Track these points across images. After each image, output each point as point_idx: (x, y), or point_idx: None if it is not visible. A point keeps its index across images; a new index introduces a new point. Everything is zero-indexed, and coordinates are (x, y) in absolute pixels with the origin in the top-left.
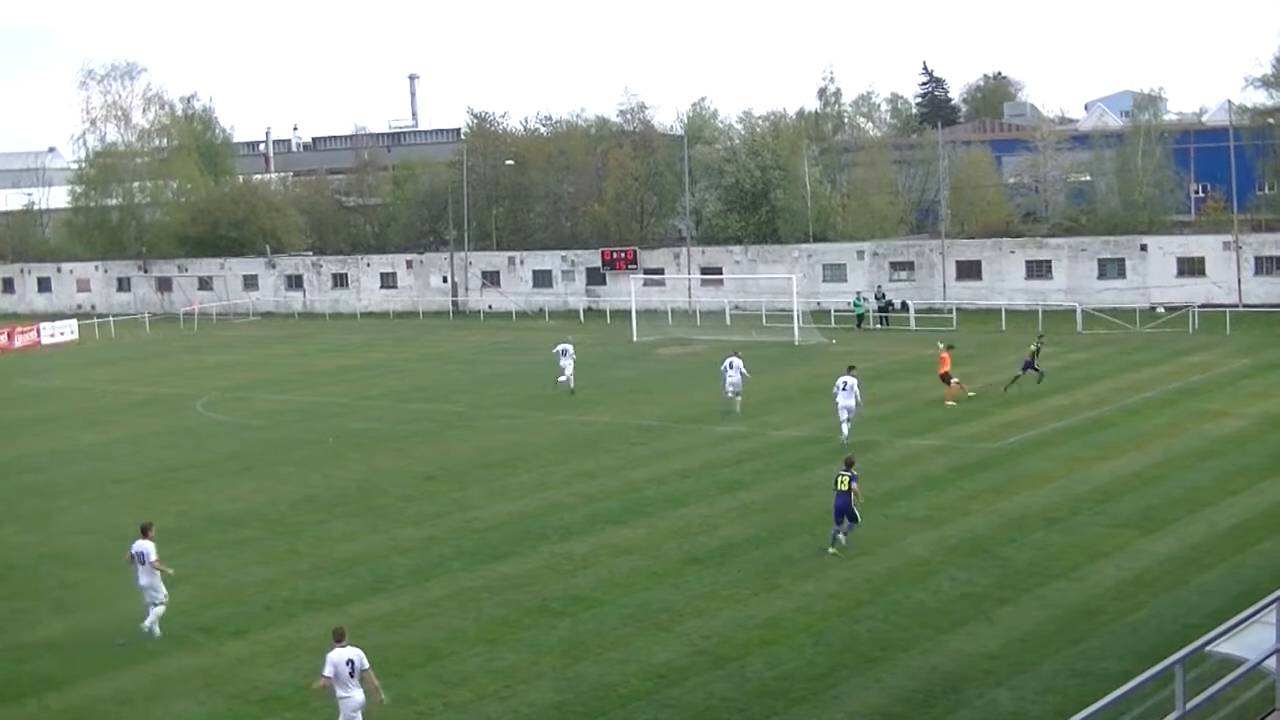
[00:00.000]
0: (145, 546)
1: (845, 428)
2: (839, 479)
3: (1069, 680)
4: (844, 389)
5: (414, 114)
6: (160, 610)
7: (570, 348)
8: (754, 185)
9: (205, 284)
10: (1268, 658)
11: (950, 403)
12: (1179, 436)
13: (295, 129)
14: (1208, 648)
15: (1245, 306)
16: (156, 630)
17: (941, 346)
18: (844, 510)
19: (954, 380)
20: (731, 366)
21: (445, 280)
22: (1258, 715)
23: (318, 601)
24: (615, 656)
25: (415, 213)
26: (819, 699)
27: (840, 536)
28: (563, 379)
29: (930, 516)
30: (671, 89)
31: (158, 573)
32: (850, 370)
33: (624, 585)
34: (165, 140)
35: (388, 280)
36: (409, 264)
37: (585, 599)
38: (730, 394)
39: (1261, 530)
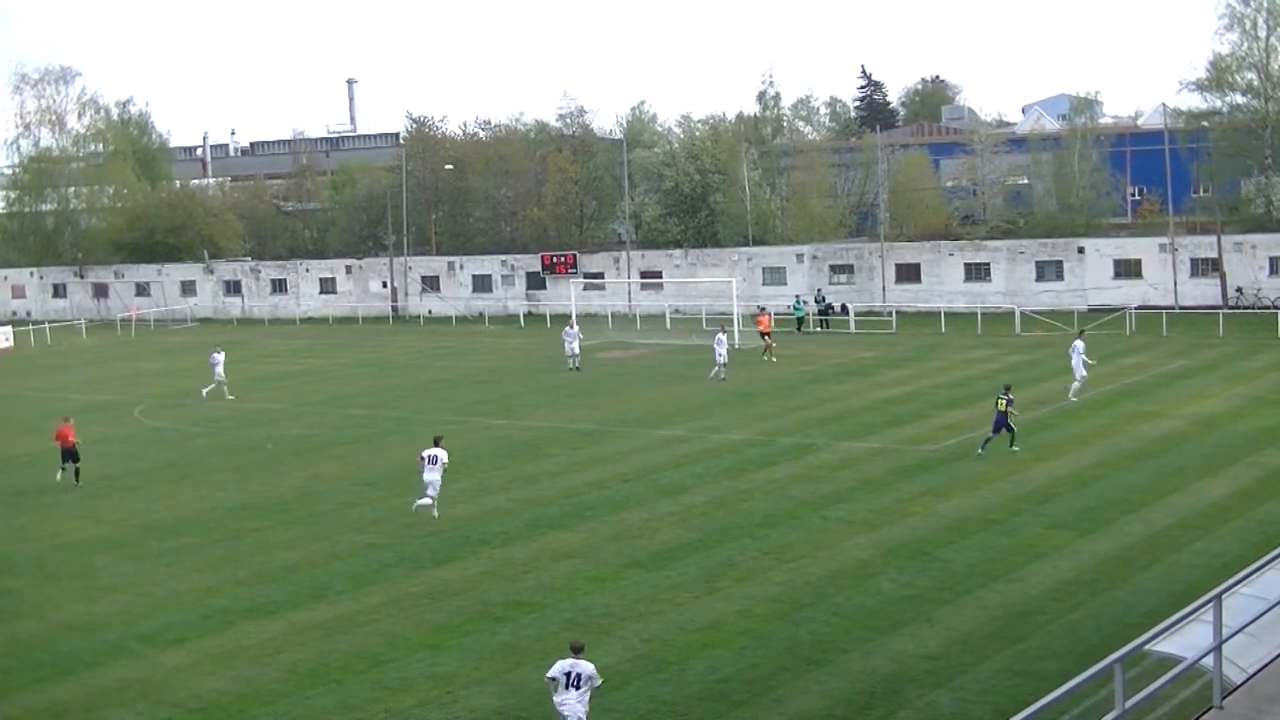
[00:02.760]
0: (439, 452)
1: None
2: (998, 400)
3: (1008, 681)
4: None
5: (352, 118)
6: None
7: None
8: (693, 189)
9: (142, 290)
10: (1205, 655)
11: (771, 359)
12: (1116, 438)
13: (233, 134)
14: (1146, 647)
15: (1181, 308)
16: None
17: (757, 308)
18: (1001, 424)
19: (770, 340)
20: (720, 343)
21: (385, 285)
22: (1195, 712)
23: (257, 609)
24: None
25: (354, 218)
26: (760, 702)
27: (981, 450)
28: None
29: (870, 519)
30: (611, 93)
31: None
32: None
33: (565, 590)
34: (101, 145)
35: (327, 285)
36: (348, 269)
37: (526, 604)
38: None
39: (1197, 530)
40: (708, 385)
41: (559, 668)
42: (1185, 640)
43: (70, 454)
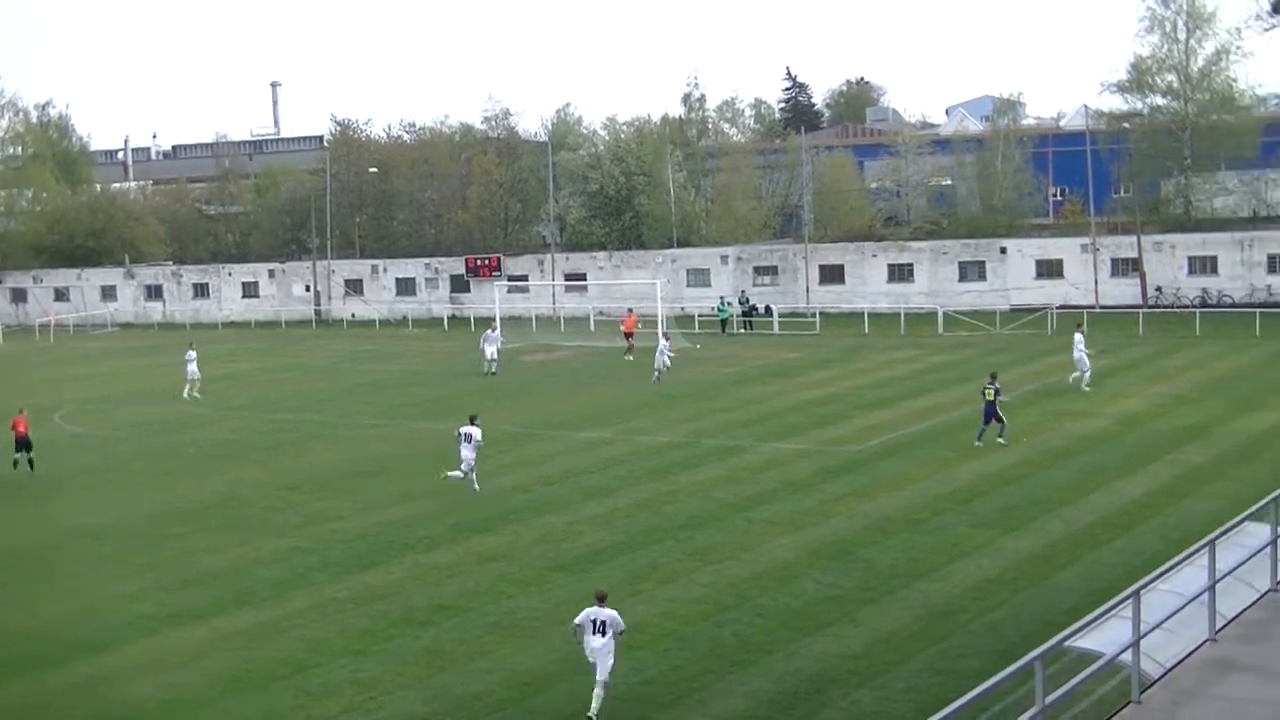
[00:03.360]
0: (473, 430)
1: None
2: (985, 390)
3: (931, 679)
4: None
5: (276, 121)
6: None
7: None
8: (618, 191)
9: (62, 295)
10: (1124, 651)
11: (630, 358)
12: (1039, 436)
13: (155, 137)
14: (1066, 643)
15: (1102, 307)
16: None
17: (627, 310)
18: (991, 414)
19: (632, 342)
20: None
21: (308, 289)
22: (1115, 707)
23: (180, 615)
24: (480, 665)
25: (278, 221)
26: (684, 704)
27: (979, 441)
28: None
29: (794, 520)
30: (536, 95)
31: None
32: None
33: (489, 593)
34: (19, 148)
35: (250, 289)
36: (271, 273)
37: (450, 608)
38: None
39: (1118, 527)
40: (649, 387)
41: (584, 615)
42: (1104, 636)
43: (23, 443)
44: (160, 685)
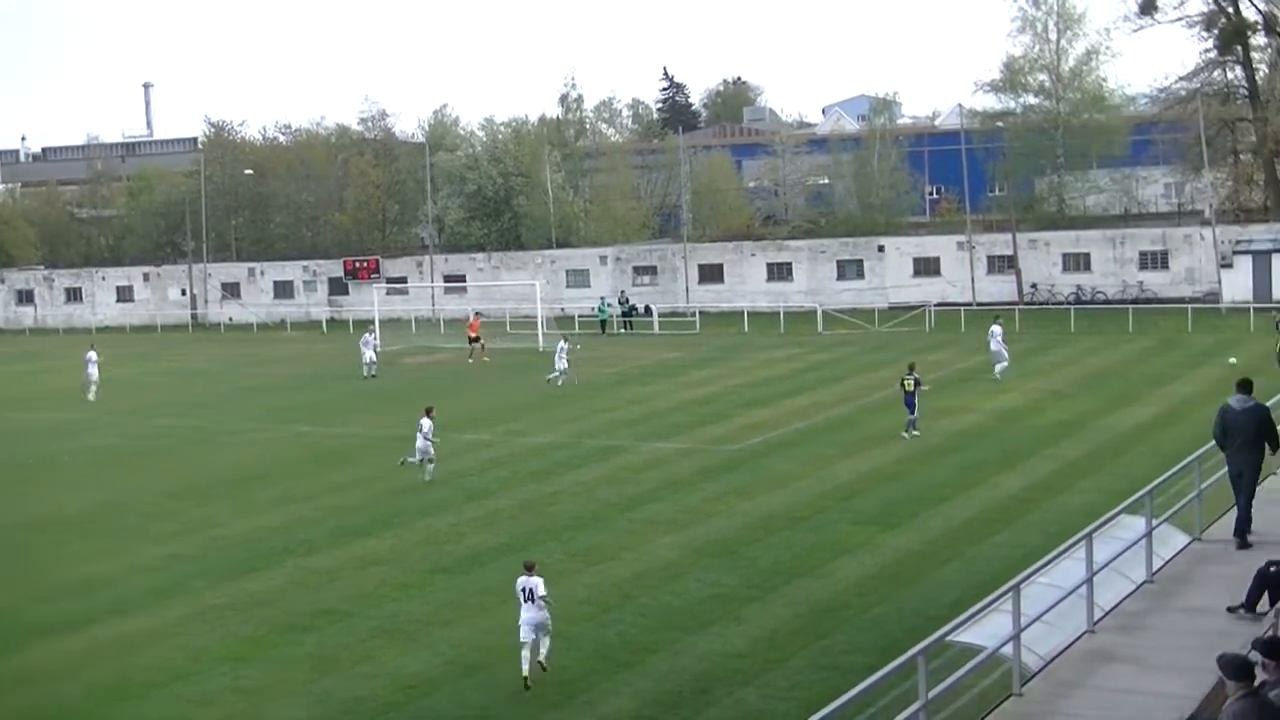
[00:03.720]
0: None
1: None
2: (904, 381)
3: (815, 676)
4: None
5: (149, 123)
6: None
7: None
8: (496, 192)
9: None
10: (1005, 644)
11: (473, 361)
12: (919, 433)
13: (24, 139)
14: (948, 637)
15: (979, 305)
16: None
17: (472, 313)
18: (911, 403)
19: (481, 343)
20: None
21: (184, 293)
22: (996, 699)
23: (54, 626)
24: (365, 670)
25: (152, 224)
26: (570, 705)
27: (914, 432)
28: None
29: (676, 519)
30: (413, 96)
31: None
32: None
33: (372, 597)
34: None
35: (124, 294)
36: (146, 276)
37: (333, 612)
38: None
39: (997, 522)
40: (530, 389)
41: (518, 584)
42: (986, 630)
43: None
44: (33, 697)
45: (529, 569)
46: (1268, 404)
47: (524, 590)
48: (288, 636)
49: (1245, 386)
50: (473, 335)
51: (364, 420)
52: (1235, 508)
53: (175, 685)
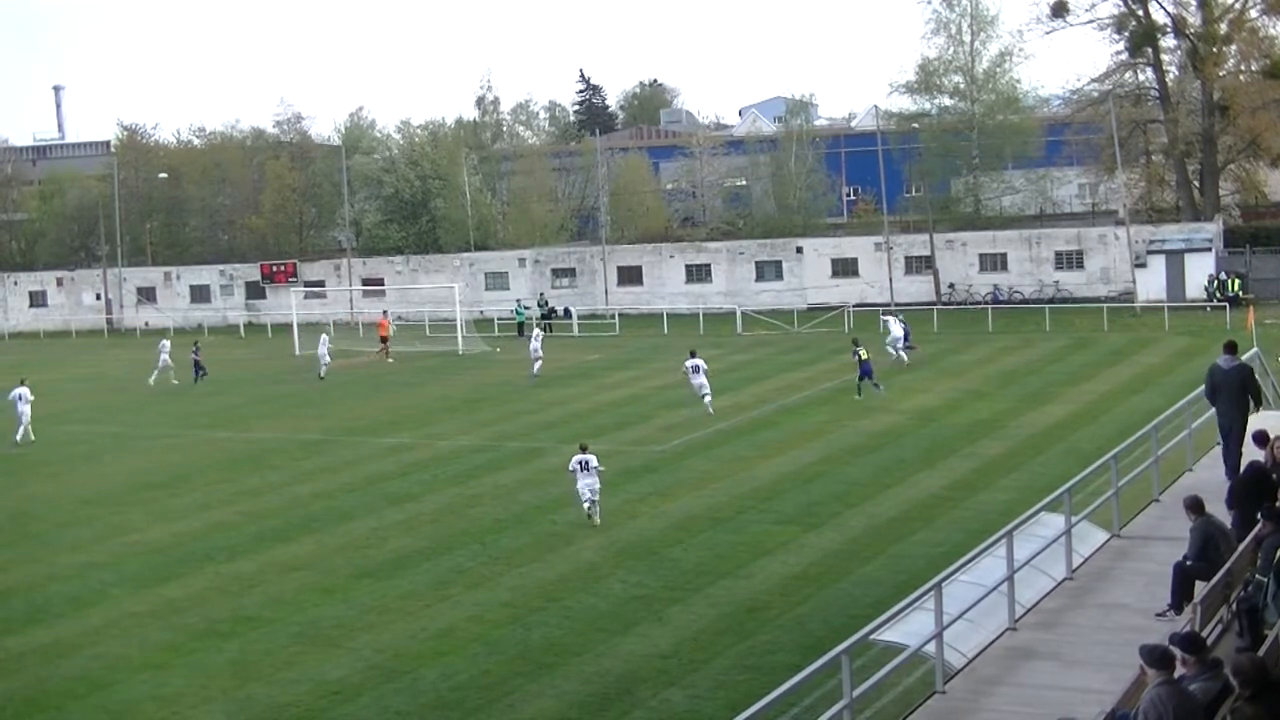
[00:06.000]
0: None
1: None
2: (859, 353)
3: (740, 675)
4: (694, 371)
5: (60, 126)
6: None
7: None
8: (414, 195)
9: None
10: (927, 643)
11: (389, 360)
12: (838, 433)
13: None
14: (871, 636)
15: (897, 305)
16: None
17: (383, 314)
18: (867, 371)
19: (387, 345)
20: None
21: (98, 298)
22: (919, 698)
23: None
24: (287, 676)
25: (64, 228)
26: (494, 708)
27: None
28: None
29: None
30: (328, 99)
31: None
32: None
33: (293, 603)
34: None
35: (37, 299)
36: (59, 281)
37: (254, 619)
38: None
39: (918, 521)
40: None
41: (574, 461)
42: (908, 628)
43: None
44: None
45: (584, 449)
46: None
47: (581, 463)
48: (208, 643)
49: (1231, 348)
50: (383, 335)
51: (278, 424)
52: (1152, 504)
53: (94, 695)
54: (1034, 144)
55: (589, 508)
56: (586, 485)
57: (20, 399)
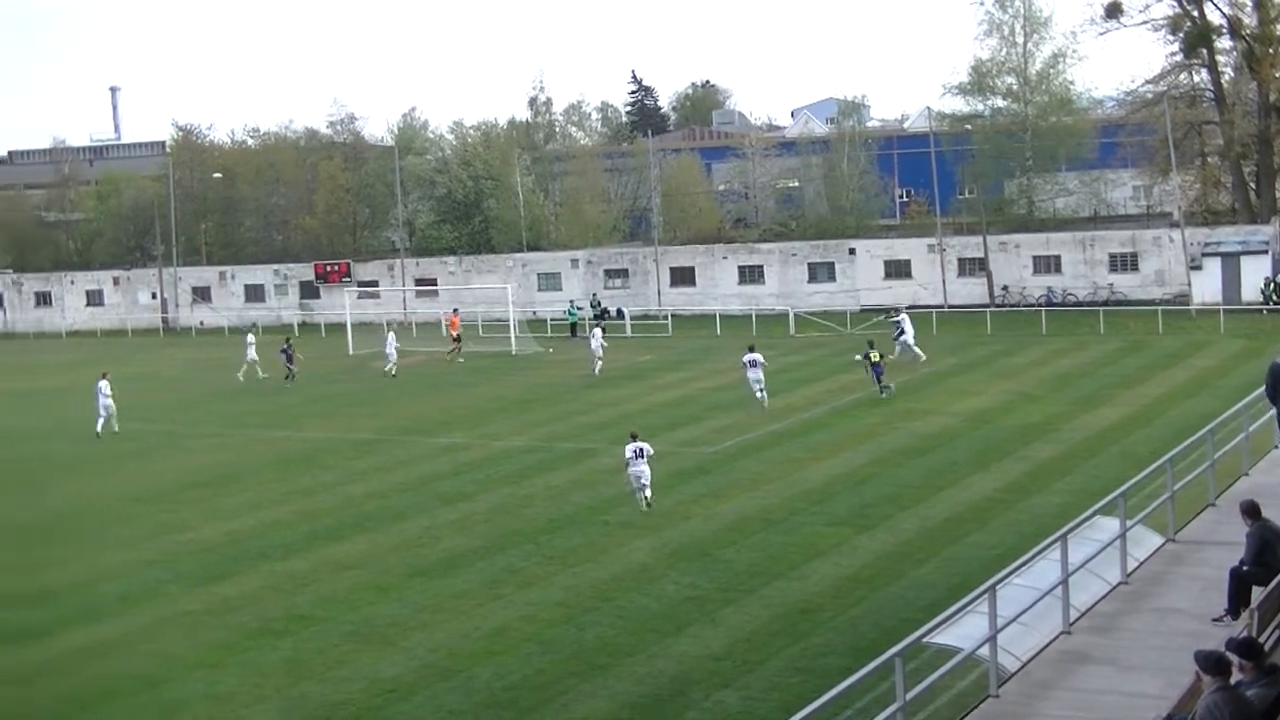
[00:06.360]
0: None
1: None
2: (871, 355)
3: (792, 677)
4: (751, 365)
5: (116, 127)
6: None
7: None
8: (467, 196)
9: None
10: (981, 646)
11: (459, 359)
12: (890, 435)
13: None
14: (925, 639)
15: (950, 307)
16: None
17: (453, 312)
18: (879, 372)
19: (460, 343)
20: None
21: (154, 297)
22: (973, 701)
23: (20, 634)
24: (340, 674)
25: (121, 228)
26: (547, 708)
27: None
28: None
29: (651, 522)
30: (381, 100)
31: None
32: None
33: (347, 601)
34: None
35: (94, 298)
36: (116, 281)
37: (308, 617)
38: (757, 392)
39: (971, 523)
40: (496, 391)
41: (629, 449)
42: (962, 631)
43: None
44: None
45: (634, 437)
46: None
47: (636, 450)
48: (262, 642)
49: None
50: (455, 334)
51: (331, 424)
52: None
53: (147, 693)
54: (1088, 146)
55: (641, 495)
56: (638, 473)
57: (101, 392)
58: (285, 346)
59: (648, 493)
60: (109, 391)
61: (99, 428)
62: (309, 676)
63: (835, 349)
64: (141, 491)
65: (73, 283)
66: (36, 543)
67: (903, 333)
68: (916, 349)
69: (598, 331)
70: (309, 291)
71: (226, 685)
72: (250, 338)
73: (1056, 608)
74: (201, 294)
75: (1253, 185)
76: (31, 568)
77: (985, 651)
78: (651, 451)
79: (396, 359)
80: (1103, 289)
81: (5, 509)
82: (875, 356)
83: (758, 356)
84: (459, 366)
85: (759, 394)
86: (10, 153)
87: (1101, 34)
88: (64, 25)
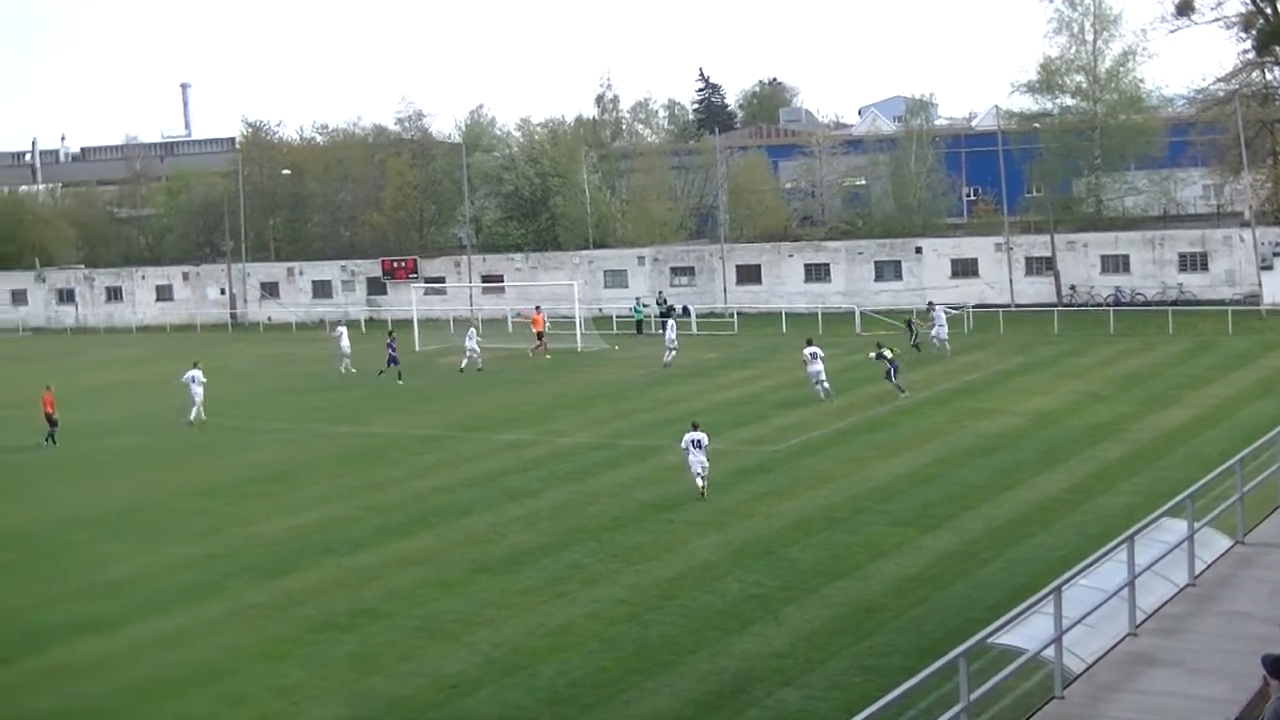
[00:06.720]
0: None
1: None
2: (884, 353)
3: (855, 677)
4: (812, 359)
5: (187, 123)
6: None
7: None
8: (533, 192)
9: None
10: (1046, 647)
11: (546, 356)
12: (955, 435)
13: (63, 139)
14: (988, 640)
15: (1017, 306)
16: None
17: (536, 309)
18: (894, 369)
19: (545, 340)
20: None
21: (223, 292)
22: (1038, 702)
23: (87, 625)
24: (405, 669)
25: (190, 224)
26: (610, 705)
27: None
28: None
29: (715, 520)
30: (449, 96)
31: None
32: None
33: (412, 596)
34: None
35: (164, 293)
36: (185, 276)
37: (373, 612)
38: (815, 385)
39: (1036, 524)
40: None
41: (687, 439)
42: (1027, 632)
43: (50, 420)
44: (65, 696)
45: (695, 426)
46: None
47: (694, 441)
48: (327, 635)
49: None
50: (539, 331)
51: (396, 419)
52: (1277, 511)
53: (213, 684)
54: (1157, 144)
55: (700, 484)
56: (698, 461)
57: (193, 380)
58: (390, 340)
59: (702, 482)
60: (201, 380)
61: (191, 416)
62: (374, 671)
63: (901, 347)
64: (208, 485)
65: (143, 278)
66: (105, 536)
67: (938, 325)
68: (946, 344)
69: (671, 323)
70: (376, 287)
71: (292, 678)
72: (341, 329)
73: (1123, 609)
74: (269, 289)
75: None
76: (99, 561)
77: (1050, 653)
78: (707, 441)
79: (480, 353)
80: (1172, 289)
81: (74, 502)
82: (890, 353)
83: (817, 350)
84: (525, 363)
85: (818, 386)
86: (83, 149)
87: (1172, 31)
88: (136, 23)
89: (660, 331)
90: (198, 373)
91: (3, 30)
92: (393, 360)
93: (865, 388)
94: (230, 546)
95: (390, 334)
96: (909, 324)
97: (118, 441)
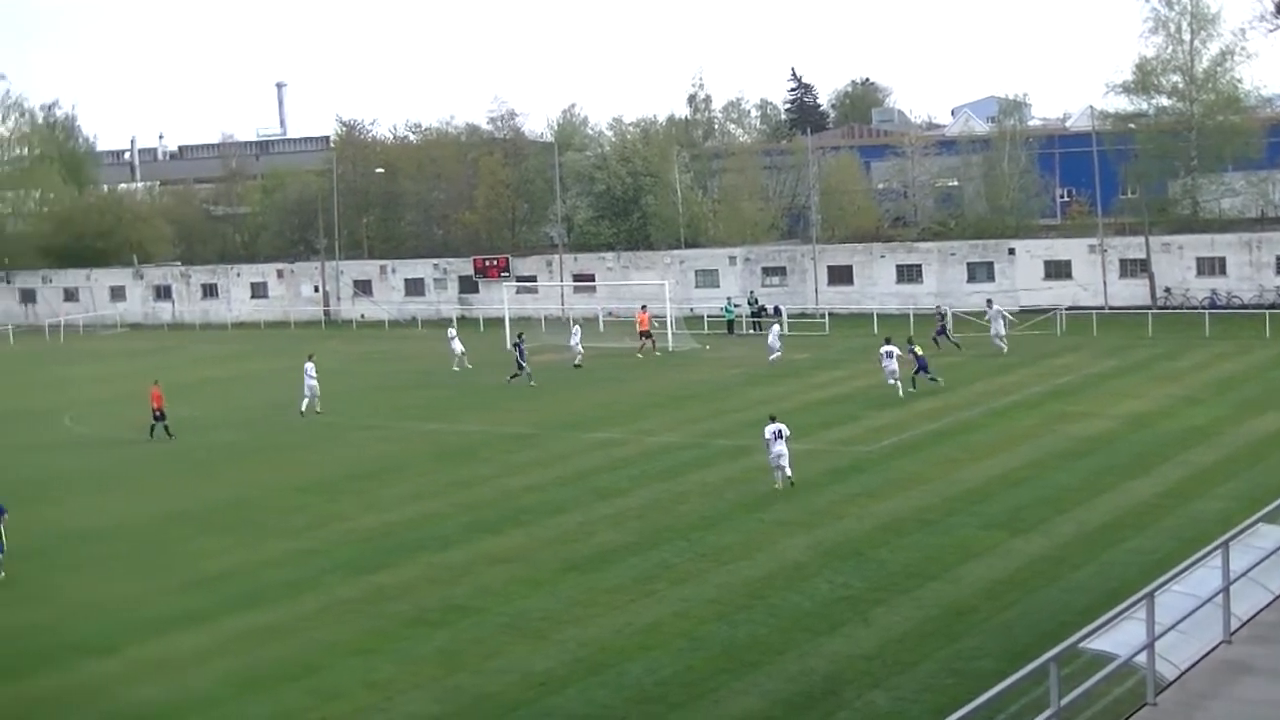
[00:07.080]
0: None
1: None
2: (914, 349)
3: (945, 679)
4: (887, 357)
5: (282, 122)
6: None
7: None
8: (625, 192)
9: (71, 295)
10: (1138, 653)
11: (655, 352)
12: (1047, 437)
13: (161, 138)
14: (1080, 644)
15: (1111, 309)
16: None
17: (641, 309)
18: (923, 364)
19: (650, 339)
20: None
21: (316, 289)
22: (1129, 709)
23: (188, 617)
24: (494, 666)
25: (285, 222)
26: (698, 704)
27: (923, 380)
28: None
29: (805, 520)
30: (541, 96)
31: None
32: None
33: (502, 594)
34: (26, 149)
35: (258, 290)
36: (279, 273)
37: (463, 608)
38: (891, 382)
39: (1130, 528)
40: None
41: (769, 431)
42: (1118, 638)
43: (158, 414)
44: (167, 687)
45: (773, 419)
46: None
47: (775, 432)
48: (417, 631)
49: None
50: (644, 330)
51: (487, 417)
52: None
53: (306, 678)
54: (1255, 145)
55: (780, 473)
56: (778, 452)
57: (308, 374)
58: (518, 341)
59: (788, 470)
60: (314, 373)
61: (303, 407)
62: (463, 667)
63: (993, 349)
64: (304, 481)
65: (238, 275)
66: (207, 530)
67: (997, 322)
68: (1003, 343)
69: (775, 327)
70: (468, 286)
71: (383, 673)
72: (453, 331)
73: (1217, 616)
74: (362, 287)
75: None
76: (201, 555)
77: (1142, 659)
78: (788, 433)
79: (582, 350)
80: (1269, 292)
81: (178, 497)
82: (920, 349)
83: (894, 348)
84: (614, 362)
85: (894, 382)
86: (181, 148)
87: (1271, 31)
88: (233, 23)
89: (752, 331)
90: (310, 366)
91: (103, 29)
92: (521, 364)
93: (959, 390)
94: (326, 542)
95: (520, 335)
96: (940, 315)
97: (215, 437)
